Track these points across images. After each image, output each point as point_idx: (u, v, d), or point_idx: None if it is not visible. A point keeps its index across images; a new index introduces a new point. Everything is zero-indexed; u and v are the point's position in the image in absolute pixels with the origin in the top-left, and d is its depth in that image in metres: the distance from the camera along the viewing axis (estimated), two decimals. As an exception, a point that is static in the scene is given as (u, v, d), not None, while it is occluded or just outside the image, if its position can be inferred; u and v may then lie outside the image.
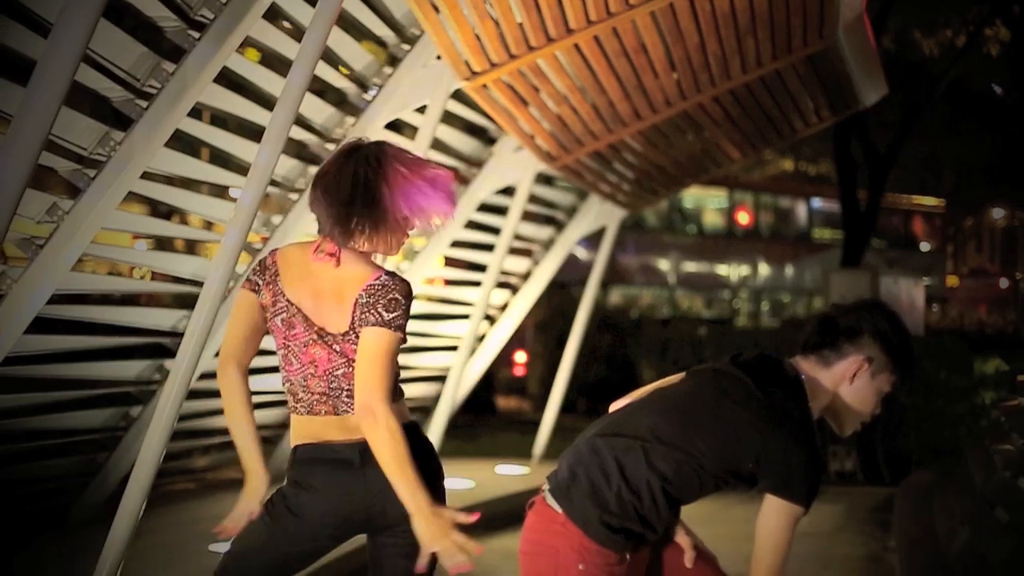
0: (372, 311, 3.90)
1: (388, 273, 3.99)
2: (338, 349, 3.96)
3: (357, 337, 3.93)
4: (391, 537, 4.02)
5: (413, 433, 3.96)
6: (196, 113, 8.09)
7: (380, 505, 3.95)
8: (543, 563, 3.95)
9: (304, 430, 4.06)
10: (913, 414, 13.62)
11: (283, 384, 4.08)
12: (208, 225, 10.96)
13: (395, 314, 3.91)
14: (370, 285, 3.94)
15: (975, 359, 15.12)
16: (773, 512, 3.86)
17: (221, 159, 8.88)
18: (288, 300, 4.02)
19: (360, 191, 3.98)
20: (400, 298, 3.94)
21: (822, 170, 42.58)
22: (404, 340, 3.95)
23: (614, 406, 4.22)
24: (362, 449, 3.93)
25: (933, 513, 9.58)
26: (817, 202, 48.48)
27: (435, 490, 3.95)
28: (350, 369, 3.96)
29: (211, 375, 9.43)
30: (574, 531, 3.89)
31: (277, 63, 8.41)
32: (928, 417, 13.81)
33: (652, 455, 3.90)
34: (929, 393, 13.92)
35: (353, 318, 3.93)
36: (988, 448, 8.68)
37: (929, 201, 52.42)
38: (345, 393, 3.99)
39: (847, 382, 4.07)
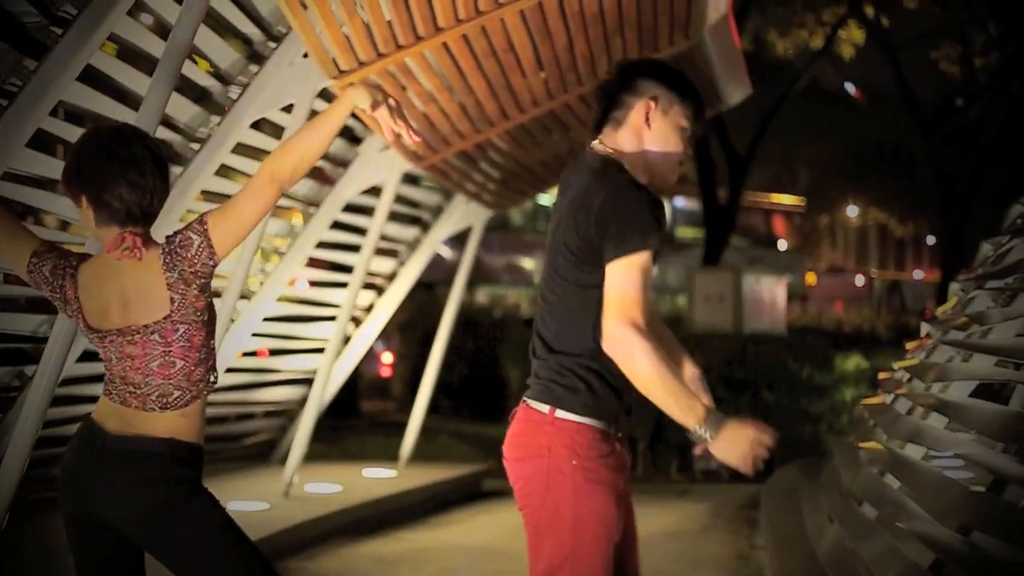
0: (184, 267, 3.87)
1: (167, 237, 3.94)
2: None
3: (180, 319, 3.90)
4: None
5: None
6: (54, 111, 7.90)
7: None
8: (534, 465, 3.89)
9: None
10: (776, 412, 13.77)
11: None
12: (64, 225, 10.73)
13: (195, 245, 3.87)
14: (164, 256, 3.88)
15: (836, 356, 15.36)
16: (621, 269, 3.77)
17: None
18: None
19: (159, 167, 3.96)
20: (190, 233, 3.87)
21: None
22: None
23: None
24: None
25: (801, 510, 9.66)
26: (680, 201, 49.02)
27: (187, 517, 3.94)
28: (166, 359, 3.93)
29: (74, 380, 9.28)
30: (564, 427, 3.86)
31: (141, 60, 8.24)
32: (791, 414, 13.97)
33: (545, 301, 4.00)
34: (792, 391, 14.08)
35: (172, 298, 3.89)
36: (854, 445, 8.76)
37: (789, 200, 53.27)
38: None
39: (645, 130, 4.03)
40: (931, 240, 49.04)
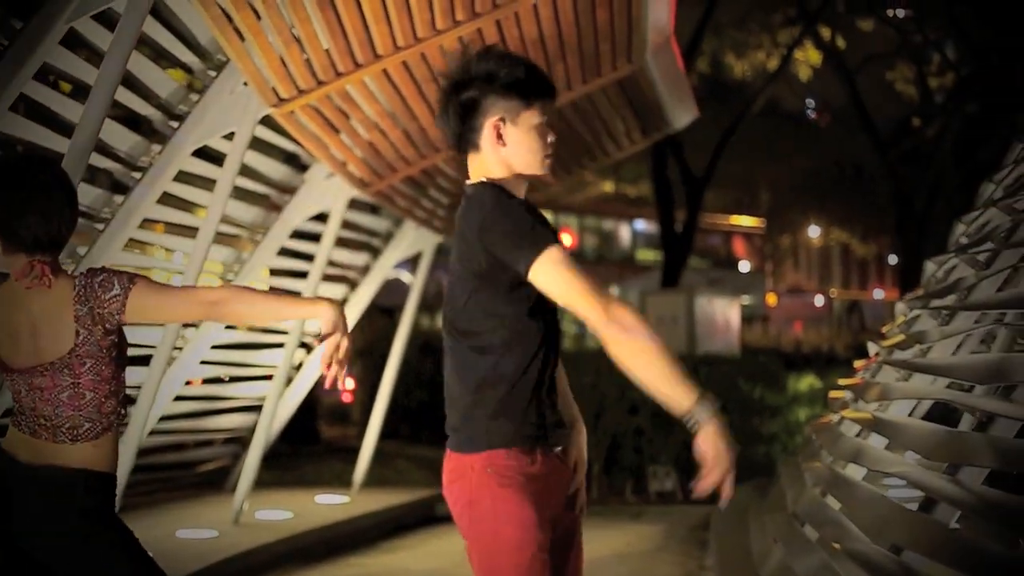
0: (95, 305, 3.90)
1: (90, 269, 3.99)
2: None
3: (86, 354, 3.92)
4: None
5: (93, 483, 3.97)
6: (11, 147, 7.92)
7: None
8: (459, 486, 3.95)
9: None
10: (729, 432, 13.77)
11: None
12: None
13: (112, 292, 3.90)
14: (79, 288, 3.92)
15: (789, 376, 15.40)
16: (545, 274, 3.77)
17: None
18: None
19: (67, 195, 4.00)
20: (115, 280, 3.91)
21: (643, 192, 43.21)
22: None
23: None
24: None
25: (748, 531, 9.69)
26: (640, 224, 49.12)
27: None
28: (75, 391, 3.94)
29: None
30: (479, 457, 3.89)
31: (81, 93, 8.25)
32: (744, 435, 14.00)
33: (449, 334, 4.01)
34: (744, 411, 14.12)
35: (78, 331, 3.90)
36: (799, 465, 8.80)
37: (749, 221, 53.44)
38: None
39: (501, 147, 3.98)
40: (893, 259, 49.25)
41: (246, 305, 3.95)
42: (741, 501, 11.65)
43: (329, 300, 4.00)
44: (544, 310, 3.95)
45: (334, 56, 8.42)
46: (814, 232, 49.59)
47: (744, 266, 55.90)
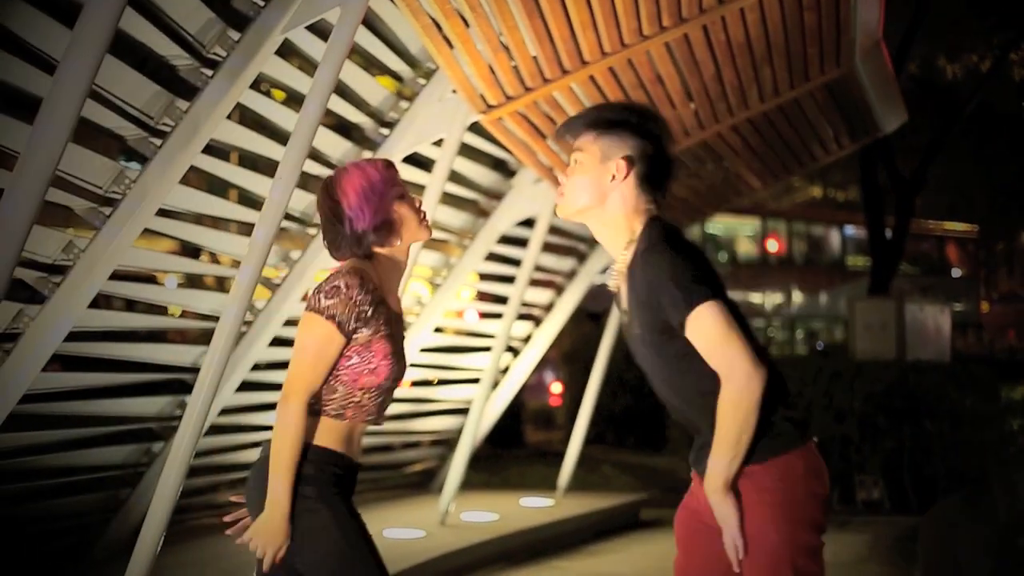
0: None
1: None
2: None
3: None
4: None
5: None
6: (224, 153, 8.18)
7: None
8: None
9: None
10: (940, 441, 13.54)
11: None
12: (237, 263, 11.04)
13: (331, 301, 4.08)
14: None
15: (1004, 386, 15.05)
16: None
17: (249, 199, 8.95)
18: None
19: (321, 211, 4.26)
20: (339, 284, 4.09)
21: (851, 197, 42.59)
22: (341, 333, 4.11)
23: None
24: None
25: (957, 543, 9.54)
26: (850, 229, 48.45)
27: None
28: None
29: (232, 410, 9.53)
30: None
31: (293, 101, 8.47)
32: (955, 444, 13.73)
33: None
34: (955, 420, 13.85)
35: None
36: (1012, 476, 8.65)
37: (961, 227, 52.35)
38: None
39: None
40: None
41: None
42: (951, 512, 11.45)
43: None
44: None
45: (541, 63, 8.50)
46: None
47: (956, 272, 54.85)
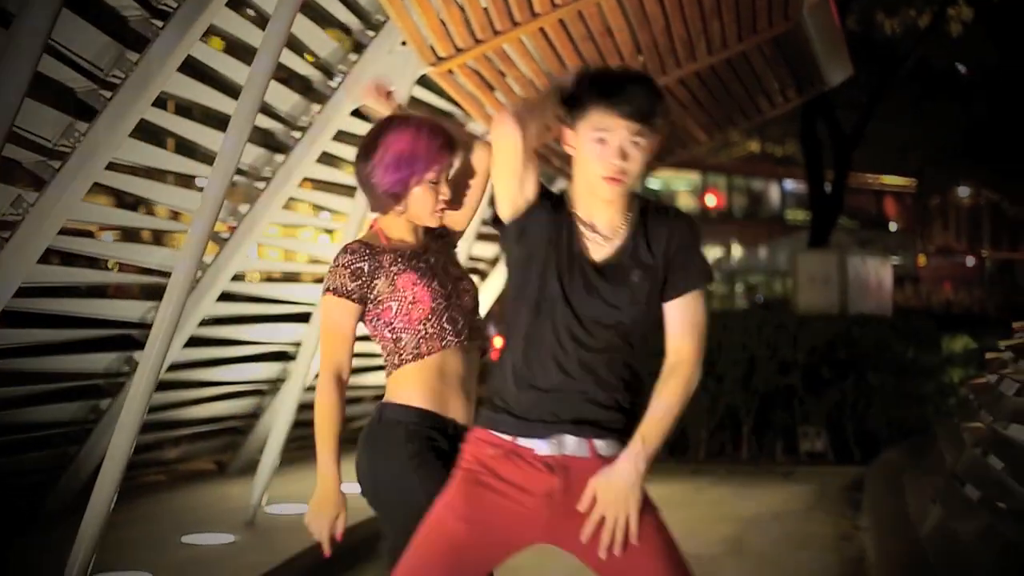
0: None
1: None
2: None
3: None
4: None
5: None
6: (162, 103, 8.07)
7: None
8: None
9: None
10: (881, 393, 13.65)
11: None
12: (175, 215, 10.93)
13: (327, 278, 4.15)
14: None
15: (943, 337, 15.18)
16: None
17: (187, 148, 8.86)
18: None
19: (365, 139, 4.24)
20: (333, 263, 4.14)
21: (789, 151, 42.75)
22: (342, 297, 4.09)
23: None
24: None
25: (904, 492, 9.62)
26: (789, 184, 48.66)
27: None
28: None
29: (180, 366, 9.46)
30: None
31: (242, 51, 8.38)
32: (897, 396, 13.85)
33: None
34: (898, 372, 13.96)
35: None
36: (958, 426, 8.71)
37: (900, 181, 52.69)
38: None
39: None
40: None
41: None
42: (895, 462, 11.56)
43: None
44: None
45: (492, 15, 8.44)
46: (964, 192, 48.78)
47: (893, 226, 55.20)
